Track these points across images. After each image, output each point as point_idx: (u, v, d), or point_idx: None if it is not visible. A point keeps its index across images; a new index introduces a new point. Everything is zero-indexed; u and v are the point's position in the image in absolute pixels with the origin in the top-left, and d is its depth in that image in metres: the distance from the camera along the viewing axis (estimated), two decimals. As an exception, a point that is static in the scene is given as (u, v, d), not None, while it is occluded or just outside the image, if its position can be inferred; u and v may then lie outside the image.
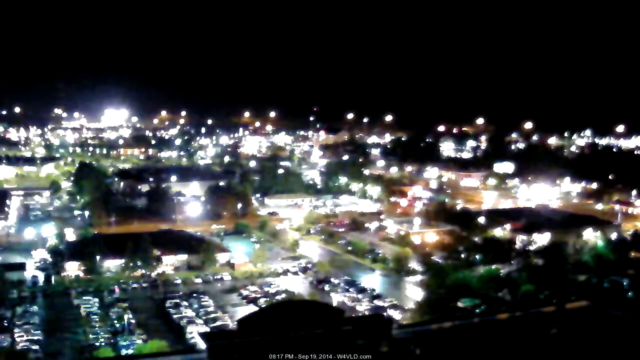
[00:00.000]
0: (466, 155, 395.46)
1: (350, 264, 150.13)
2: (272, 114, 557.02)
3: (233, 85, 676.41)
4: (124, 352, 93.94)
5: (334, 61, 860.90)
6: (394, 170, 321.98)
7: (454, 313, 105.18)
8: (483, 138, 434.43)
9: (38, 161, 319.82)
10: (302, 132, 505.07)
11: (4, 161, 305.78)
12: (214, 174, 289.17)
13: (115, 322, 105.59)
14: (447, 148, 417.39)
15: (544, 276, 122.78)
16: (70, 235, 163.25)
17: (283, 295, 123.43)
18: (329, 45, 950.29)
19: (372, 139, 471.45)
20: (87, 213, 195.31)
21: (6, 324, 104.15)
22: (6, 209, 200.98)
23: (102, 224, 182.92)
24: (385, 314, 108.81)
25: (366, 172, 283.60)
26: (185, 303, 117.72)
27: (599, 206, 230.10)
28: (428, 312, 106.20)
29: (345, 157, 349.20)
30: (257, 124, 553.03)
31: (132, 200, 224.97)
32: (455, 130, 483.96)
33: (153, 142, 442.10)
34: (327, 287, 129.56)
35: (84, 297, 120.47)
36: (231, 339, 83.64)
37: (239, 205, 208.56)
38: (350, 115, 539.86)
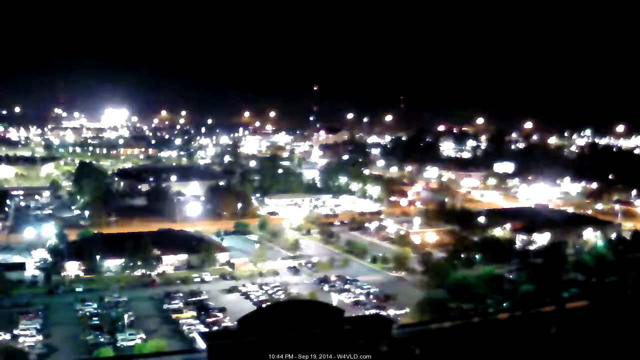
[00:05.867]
0: (466, 155, 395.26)
1: (350, 263, 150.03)
2: (272, 114, 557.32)
3: (233, 84, 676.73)
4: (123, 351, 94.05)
5: (334, 60, 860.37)
6: (394, 170, 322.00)
7: (454, 313, 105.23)
8: (483, 138, 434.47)
9: (38, 161, 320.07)
10: (302, 132, 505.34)
11: (4, 161, 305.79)
12: (214, 173, 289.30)
13: (115, 321, 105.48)
14: (447, 148, 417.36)
15: (544, 276, 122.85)
16: (71, 235, 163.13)
17: (283, 295, 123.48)
18: (330, 44, 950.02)
19: (372, 139, 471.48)
20: (87, 213, 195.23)
21: (6, 324, 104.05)
22: (6, 208, 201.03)
23: (102, 223, 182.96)
24: (385, 313, 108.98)
25: (366, 172, 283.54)
26: (185, 303, 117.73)
27: (599, 206, 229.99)
28: (428, 312, 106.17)
29: (345, 157, 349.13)
30: (257, 124, 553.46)
31: (132, 200, 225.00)
32: (455, 130, 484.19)
33: (153, 142, 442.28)
34: (327, 287, 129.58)
35: (84, 297, 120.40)
36: (231, 339, 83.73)
37: (239, 205, 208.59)
38: (350, 115, 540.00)
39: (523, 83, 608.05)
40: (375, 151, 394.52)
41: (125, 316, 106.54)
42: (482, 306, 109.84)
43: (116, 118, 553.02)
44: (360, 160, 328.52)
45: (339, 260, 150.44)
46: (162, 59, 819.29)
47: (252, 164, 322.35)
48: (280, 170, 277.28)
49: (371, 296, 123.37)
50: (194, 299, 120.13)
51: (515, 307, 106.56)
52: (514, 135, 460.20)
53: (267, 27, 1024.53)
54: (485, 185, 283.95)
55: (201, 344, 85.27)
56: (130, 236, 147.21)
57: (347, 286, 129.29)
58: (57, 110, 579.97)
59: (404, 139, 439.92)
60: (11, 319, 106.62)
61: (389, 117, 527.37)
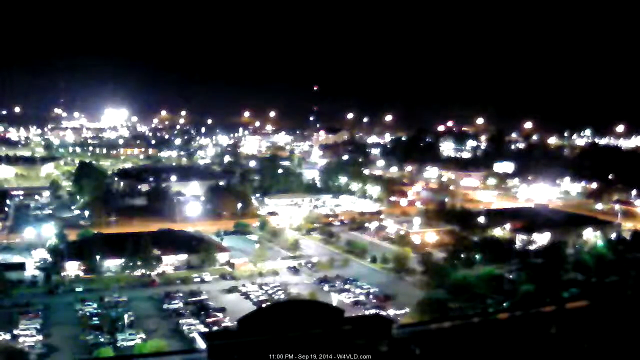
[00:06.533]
0: (466, 155, 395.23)
1: (350, 263, 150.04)
2: (272, 114, 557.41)
3: (233, 84, 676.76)
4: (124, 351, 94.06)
5: (334, 60, 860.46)
6: (394, 170, 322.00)
7: (454, 313, 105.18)
8: (483, 138, 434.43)
9: (38, 161, 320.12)
10: (302, 132, 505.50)
11: (4, 161, 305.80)
12: (214, 173, 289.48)
13: (115, 321, 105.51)
14: (447, 148, 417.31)
15: (544, 276, 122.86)
16: (71, 235, 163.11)
17: (283, 295, 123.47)
18: (330, 44, 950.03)
19: (372, 139, 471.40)
20: (87, 213, 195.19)
21: (6, 324, 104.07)
22: (6, 208, 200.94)
23: (102, 224, 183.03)
24: (385, 313, 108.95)
25: (366, 172, 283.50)
26: (184, 303, 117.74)
27: (599, 206, 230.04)
28: (428, 312, 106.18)
29: (345, 157, 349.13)
30: (257, 124, 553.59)
31: (132, 200, 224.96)
32: (455, 130, 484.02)
33: (153, 142, 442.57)
34: (327, 287, 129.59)
35: (83, 297, 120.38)
36: (231, 339, 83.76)
37: (239, 205, 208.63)
38: (350, 115, 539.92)
39: (523, 83, 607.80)
40: (375, 151, 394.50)
41: (125, 316, 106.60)
42: (482, 306, 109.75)
43: (116, 118, 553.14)
44: (360, 160, 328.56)
45: (339, 260, 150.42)
46: (162, 59, 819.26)
47: (252, 164, 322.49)
48: (280, 170, 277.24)
49: (371, 296, 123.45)
50: (194, 299, 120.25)
51: (515, 307, 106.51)
52: (514, 135, 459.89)
53: (268, 27, 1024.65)
54: (485, 185, 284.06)
55: (201, 344, 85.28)
56: (130, 236, 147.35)
57: (347, 286, 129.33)
58: (57, 110, 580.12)
59: (404, 139, 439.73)
60: (11, 319, 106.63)
61: (389, 117, 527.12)
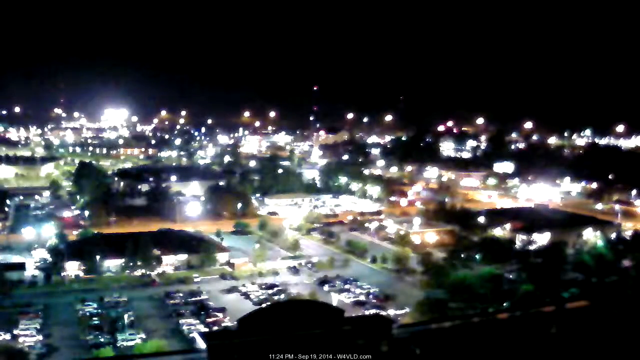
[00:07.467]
0: (466, 155, 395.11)
1: (350, 263, 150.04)
2: (272, 114, 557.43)
3: (233, 84, 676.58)
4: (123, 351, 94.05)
5: (334, 60, 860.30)
6: (394, 170, 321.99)
7: (454, 313, 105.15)
8: (483, 138, 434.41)
9: (38, 161, 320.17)
10: (302, 132, 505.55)
11: (4, 161, 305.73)
12: (214, 173, 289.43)
13: (115, 321, 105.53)
14: (447, 148, 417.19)
15: (544, 276, 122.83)
16: (70, 235, 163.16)
17: (283, 295, 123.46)
18: (330, 44, 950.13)
19: (372, 139, 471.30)
20: (87, 213, 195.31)
21: (6, 324, 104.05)
22: (6, 208, 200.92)
23: (102, 224, 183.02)
24: (385, 313, 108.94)
25: (366, 172, 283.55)
26: (185, 303, 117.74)
27: (599, 206, 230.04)
28: (428, 312, 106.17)
29: (345, 157, 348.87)
30: (257, 124, 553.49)
31: (132, 200, 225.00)
32: (455, 130, 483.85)
33: (153, 142, 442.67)
34: (327, 287, 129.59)
35: (83, 297, 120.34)
36: (231, 339, 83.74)
37: (239, 205, 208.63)
38: (350, 115, 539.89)
39: (523, 83, 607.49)
40: (375, 151, 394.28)
41: (125, 316, 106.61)
42: (482, 306, 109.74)
43: (116, 118, 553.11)
44: (360, 160, 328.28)
45: (339, 260, 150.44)
46: (162, 59, 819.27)
47: (252, 164, 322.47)
48: (280, 170, 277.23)
49: (371, 296, 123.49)
50: (194, 299, 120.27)
51: (515, 307, 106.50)
52: (514, 135, 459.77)
53: (268, 27, 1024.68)
54: (485, 185, 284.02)
55: (201, 344, 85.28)
56: (130, 236, 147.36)
57: (347, 286, 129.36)
58: (57, 110, 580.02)
59: (404, 139, 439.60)
60: (11, 319, 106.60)
61: (389, 117, 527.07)
